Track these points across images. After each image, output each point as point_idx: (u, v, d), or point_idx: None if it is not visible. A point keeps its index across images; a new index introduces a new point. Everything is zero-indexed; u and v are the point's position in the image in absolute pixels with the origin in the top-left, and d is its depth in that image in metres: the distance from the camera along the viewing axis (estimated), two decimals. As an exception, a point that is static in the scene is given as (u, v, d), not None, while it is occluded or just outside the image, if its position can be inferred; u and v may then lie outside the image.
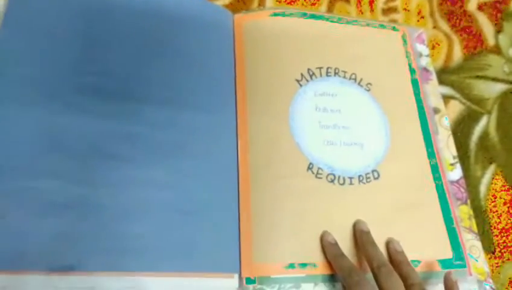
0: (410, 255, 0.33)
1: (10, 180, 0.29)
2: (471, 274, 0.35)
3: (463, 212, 0.38)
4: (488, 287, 0.35)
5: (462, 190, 0.39)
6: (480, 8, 0.49)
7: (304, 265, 0.32)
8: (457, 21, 0.48)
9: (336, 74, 0.40)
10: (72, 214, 0.30)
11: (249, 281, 0.31)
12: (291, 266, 0.31)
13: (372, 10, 0.47)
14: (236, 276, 0.31)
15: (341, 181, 0.35)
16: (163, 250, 0.30)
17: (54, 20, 0.35)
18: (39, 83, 0.33)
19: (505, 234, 0.39)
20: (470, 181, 0.41)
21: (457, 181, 0.39)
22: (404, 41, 0.44)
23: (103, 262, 0.29)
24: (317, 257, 0.32)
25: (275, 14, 0.41)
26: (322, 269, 0.32)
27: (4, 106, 0.31)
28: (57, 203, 0.30)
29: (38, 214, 0.29)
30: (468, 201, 0.39)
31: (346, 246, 0.33)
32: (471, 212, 0.38)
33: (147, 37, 0.37)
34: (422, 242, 0.35)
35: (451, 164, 0.40)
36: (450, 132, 0.41)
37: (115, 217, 0.30)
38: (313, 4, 0.45)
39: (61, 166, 0.31)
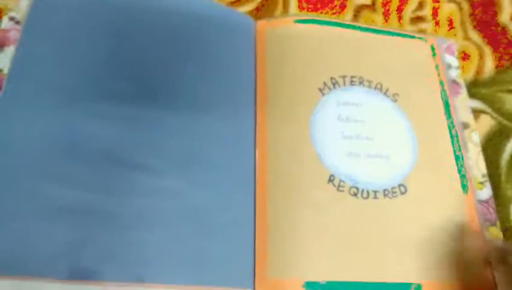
0: (436, 278, 0.31)
1: (25, 183, 0.29)
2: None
3: (492, 235, 0.36)
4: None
5: (492, 211, 0.37)
6: (514, 19, 0.47)
7: (321, 284, 0.30)
8: (489, 32, 0.46)
9: (360, 83, 0.39)
10: (85, 221, 0.29)
11: (263, 297, 0.29)
12: (309, 285, 0.30)
13: (399, 19, 0.45)
14: (250, 291, 0.30)
15: (365, 195, 0.34)
16: (175, 261, 0.29)
17: (78, 23, 0.34)
18: (59, 87, 0.32)
19: (538, 259, 0.37)
20: (500, 201, 0.38)
21: (486, 201, 0.37)
22: (433, 52, 0.42)
23: (115, 271, 0.28)
24: (336, 275, 0.30)
25: (299, 21, 0.40)
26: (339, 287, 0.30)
27: (23, 108, 0.31)
28: (70, 209, 0.29)
29: (52, 219, 0.28)
30: (498, 223, 0.36)
31: (369, 263, 0.31)
32: (501, 235, 0.36)
33: (167, 43, 0.36)
34: (446, 262, 0.33)
35: (481, 183, 0.38)
36: (479, 148, 0.39)
37: (128, 226, 0.29)
38: (338, 12, 0.44)
39: (77, 172, 0.30)
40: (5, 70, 0.33)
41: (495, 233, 0.36)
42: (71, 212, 0.29)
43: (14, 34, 0.34)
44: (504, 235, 0.36)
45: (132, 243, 0.29)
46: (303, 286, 0.30)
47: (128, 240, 0.29)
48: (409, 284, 0.31)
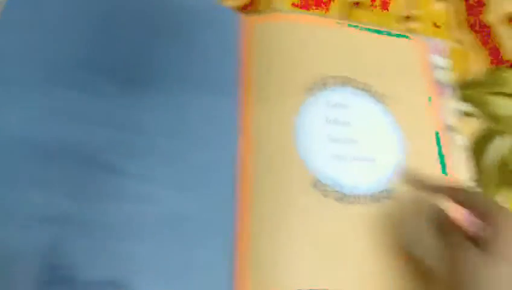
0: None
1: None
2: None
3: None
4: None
5: (476, 214, 0.37)
6: (502, 21, 0.46)
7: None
8: (478, 33, 0.45)
9: (348, 83, 0.38)
10: (59, 229, 0.27)
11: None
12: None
13: (388, 17, 0.44)
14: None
15: (351, 200, 0.33)
16: (154, 271, 0.28)
17: (60, 11, 0.33)
18: (30, 83, 0.30)
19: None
20: (485, 205, 0.38)
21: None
22: (421, 52, 0.41)
23: (92, 280, 0.27)
24: (321, 284, 0.30)
25: (285, 16, 0.39)
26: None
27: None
28: (44, 216, 0.27)
29: (23, 227, 0.27)
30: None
31: (357, 271, 0.30)
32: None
33: (146, 31, 0.35)
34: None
35: (466, 185, 0.37)
36: (465, 151, 0.39)
37: (105, 234, 0.28)
38: (327, 10, 0.43)
39: (51, 176, 0.28)
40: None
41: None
42: (43, 219, 0.27)
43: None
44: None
45: (110, 252, 0.27)
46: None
47: (106, 248, 0.27)
48: None
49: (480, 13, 0.46)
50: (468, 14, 0.46)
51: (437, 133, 0.38)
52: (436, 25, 0.45)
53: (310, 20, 0.39)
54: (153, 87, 0.33)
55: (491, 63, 0.44)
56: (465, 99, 0.42)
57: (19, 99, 0.30)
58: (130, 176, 0.30)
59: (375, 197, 0.33)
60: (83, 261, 0.27)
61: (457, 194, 0.29)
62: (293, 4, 0.42)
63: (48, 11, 0.32)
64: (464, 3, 0.46)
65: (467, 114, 0.41)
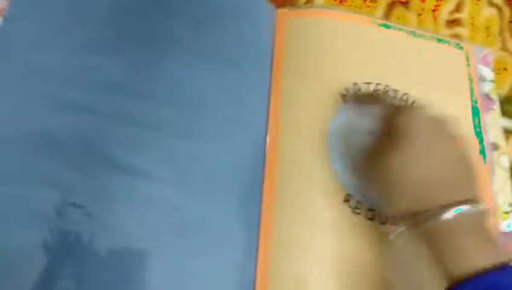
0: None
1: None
2: None
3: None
4: None
5: (515, 244, 0.34)
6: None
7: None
8: (530, 44, 0.42)
9: (386, 92, 0.35)
10: (65, 229, 0.25)
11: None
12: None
13: (434, 20, 0.41)
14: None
15: (382, 219, 0.30)
16: (163, 281, 0.26)
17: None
18: (39, 73, 0.28)
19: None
20: (524, 233, 0.35)
21: (510, 234, 0.34)
22: (468, 61, 0.38)
23: (93, 285, 0.25)
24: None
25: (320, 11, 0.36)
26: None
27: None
28: (46, 214, 0.25)
29: (24, 225, 0.25)
30: (520, 257, 0.33)
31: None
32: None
33: (175, 28, 0.32)
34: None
35: (506, 212, 0.34)
36: (508, 174, 0.36)
37: (113, 236, 0.26)
38: (368, 6, 0.40)
39: (58, 174, 0.26)
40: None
41: None
42: (45, 218, 0.25)
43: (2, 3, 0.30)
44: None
45: (113, 258, 0.26)
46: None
47: (109, 253, 0.26)
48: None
49: (534, 22, 0.42)
50: (521, 23, 0.42)
51: (481, 152, 0.35)
52: (487, 32, 0.41)
53: (345, 17, 0.36)
54: (175, 90, 0.31)
55: (542, 78, 0.40)
56: (511, 116, 0.39)
57: (28, 93, 0.28)
58: (145, 178, 0.28)
59: (408, 218, 0.31)
60: (89, 262, 0.25)
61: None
62: None
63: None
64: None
65: (511, 132, 0.38)
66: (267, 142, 0.31)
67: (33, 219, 0.25)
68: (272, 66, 0.34)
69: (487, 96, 0.38)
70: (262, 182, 0.30)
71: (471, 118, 0.36)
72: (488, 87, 0.38)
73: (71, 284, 0.24)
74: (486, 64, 0.39)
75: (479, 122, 0.36)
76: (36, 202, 0.26)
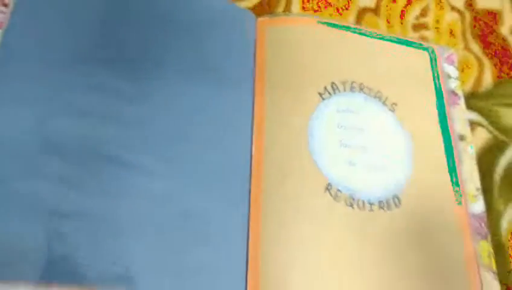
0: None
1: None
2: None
3: (482, 249, 0.36)
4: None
5: (483, 225, 0.37)
6: (515, 33, 0.47)
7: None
8: (490, 44, 0.45)
9: (360, 90, 0.38)
10: (64, 222, 0.27)
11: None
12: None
13: (401, 25, 0.44)
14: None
15: (360, 206, 0.33)
16: (160, 269, 0.28)
17: (67, 10, 0.33)
18: (39, 81, 0.30)
19: (526, 276, 0.37)
20: (492, 215, 0.38)
21: (478, 215, 0.37)
22: (433, 61, 0.41)
23: (95, 275, 0.27)
24: (329, 287, 0.30)
25: (296, 19, 0.39)
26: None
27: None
28: (48, 208, 0.27)
29: (27, 219, 0.27)
30: (489, 237, 0.36)
31: (363, 277, 0.31)
32: (491, 249, 0.36)
33: (158, 36, 0.35)
34: (439, 277, 0.33)
35: (474, 196, 0.38)
36: (474, 162, 0.39)
37: (110, 230, 0.28)
38: (341, 14, 0.43)
39: (57, 169, 0.28)
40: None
41: (486, 247, 0.36)
42: (48, 212, 0.27)
43: (2, 17, 0.32)
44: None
45: (117, 247, 0.28)
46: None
47: (108, 245, 0.28)
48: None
49: (494, 25, 0.46)
50: (481, 25, 0.46)
51: (448, 143, 0.38)
52: (451, 34, 0.45)
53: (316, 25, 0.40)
54: (166, 85, 0.33)
55: (501, 75, 0.44)
56: (475, 110, 0.42)
57: (30, 94, 0.30)
58: (139, 171, 0.30)
59: (384, 205, 0.34)
60: (86, 255, 0.27)
61: None
62: (303, 8, 0.43)
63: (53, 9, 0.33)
64: (475, 14, 0.47)
65: (476, 124, 0.41)
66: (253, 139, 0.34)
67: (31, 212, 0.27)
68: (255, 72, 0.37)
69: (453, 92, 0.42)
70: (250, 176, 0.32)
71: (436, 112, 0.39)
72: (453, 84, 0.42)
73: (70, 267, 0.26)
74: (451, 63, 0.43)
75: (445, 115, 0.39)
76: (32, 195, 0.27)
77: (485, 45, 0.45)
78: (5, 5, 0.33)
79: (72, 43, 0.32)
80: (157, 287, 0.27)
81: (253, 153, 0.33)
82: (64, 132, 0.29)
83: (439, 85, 0.41)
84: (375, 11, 0.44)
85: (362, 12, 0.44)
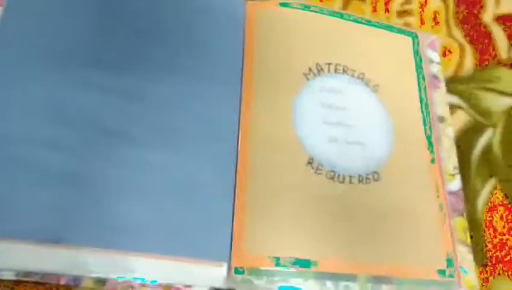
0: (400, 261, 0.33)
1: (8, 146, 0.29)
2: (460, 287, 0.34)
3: (458, 224, 0.38)
4: (476, 301, 0.35)
5: (460, 202, 0.39)
6: (496, 19, 0.48)
7: (296, 260, 0.31)
8: (472, 31, 0.47)
9: (344, 71, 0.39)
10: (66, 186, 0.29)
11: (237, 271, 0.31)
12: (282, 260, 0.31)
13: (387, 11, 0.46)
14: (225, 265, 0.30)
15: (341, 179, 0.35)
16: (152, 231, 0.30)
17: None
18: (46, 53, 0.32)
19: (499, 249, 0.39)
20: (469, 194, 0.40)
21: (455, 192, 0.39)
22: (416, 46, 0.43)
23: (92, 237, 0.28)
24: (311, 254, 0.32)
25: (285, 5, 0.40)
26: (316, 267, 0.31)
27: (9, 71, 0.31)
28: (52, 173, 0.29)
29: (32, 183, 0.28)
30: (464, 214, 0.38)
31: (339, 245, 0.32)
32: (467, 225, 0.38)
33: (154, 14, 0.36)
34: (416, 248, 0.34)
35: (452, 175, 0.39)
36: (453, 142, 0.41)
37: (109, 194, 0.30)
38: (328, 0, 0.45)
39: (62, 138, 0.30)
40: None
41: (461, 223, 0.37)
42: (52, 176, 0.29)
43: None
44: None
45: (110, 211, 0.29)
46: (276, 260, 0.31)
47: (106, 208, 0.29)
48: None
49: (476, 11, 0.48)
50: (464, 12, 0.48)
51: (425, 124, 0.40)
52: (434, 21, 0.47)
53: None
54: (158, 66, 0.35)
55: (482, 60, 0.46)
56: (456, 93, 0.44)
57: (39, 71, 0.32)
58: (135, 143, 0.32)
59: (363, 179, 0.35)
60: (82, 218, 0.29)
61: None
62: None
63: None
64: (458, 1, 0.48)
65: (456, 107, 0.43)
66: (241, 113, 0.35)
67: (38, 175, 0.29)
68: (243, 53, 0.38)
69: (434, 76, 0.43)
70: (237, 148, 0.34)
71: (418, 94, 0.41)
72: (435, 69, 0.44)
73: (69, 233, 0.28)
74: (434, 48, 0.45)
75: (426, 97, 0.41)
76: (41, 162, 0.29)
77: (467, 31, 0.47)
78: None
79: (72, 30, 0.34)
80: (148, 246, 0.29)
81: (240, 127, 0.35)
82: (72, 105, 0.31)
83: (421, 69, 0.42)
84: (361, -3, 0.46)
85: (349, -2, 0.45)
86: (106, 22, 0.35)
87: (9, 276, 0.27)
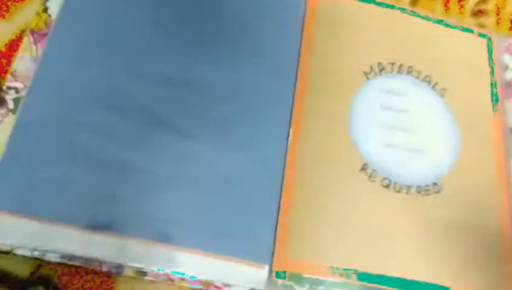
0: (457, 283, 0.30)
1: (62, 130, 0.29)
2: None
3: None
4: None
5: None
6: None
7: (342, 271, 0.29)
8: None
9: (408, 72, 0.37)
10: (115, 174, 0.29)
11: (279, 275, 0.29)
12: (330, 269, 0.29)
13: (460, 10, 0.42)
14: (267, 267, 0.29)
15: (397, 188, 0.32)
16: (197, 227, 0.29)
17: None
18: (104, 41, 0.32)
19: None
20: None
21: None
22: (490, 50, 0.39)
23: (137, 227, 0.28)
24: (357, 265, 0.30)
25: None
26: (361, 277, 0.30)
27: (67, 57, 0.31)
28: (102, 160, 0.29)
29: (82, 169, 0.29)
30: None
31: (393, 261, 0.30)
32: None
33: (210, 4, 0.35)
34: (473, 270, 0.31)
35: (522, 192, 0.36)
36: (526, 157, 0.37)
37: (157, 186, 0.29)
38: (396, -5, 0.42)
39: (113, 125, 0.30)
40: (53, 16, 0.33)
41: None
42: (103, 163, 0.29)
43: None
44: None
45: (158, 203, 0.29)
46: (321, 269, 0.29)
47: (153, 199, 0.29)
48: (434, 285, 0.30)
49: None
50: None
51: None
52: (510, 24, 0.42)
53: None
54: (212, 57, 0.34)
55: None
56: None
57: (96, 57, 0.32)
58: (186, 134, 0.31)
59: (421, 189, 0.33)
60: (130, 207, 0.28)
61: None
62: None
63: None
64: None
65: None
66: (293, 111, 0.34)
67: (89, 164, 0.29)
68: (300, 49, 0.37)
69: (509, 84, 0.39)
70: (286, 152, 0.33)
71: (490, 103, 0.37)
72: (510, 76, 0.40)
73: (112, 220, 0.28)
74: (510, 53, 0.41)
75: (497, 107, 0.37)
76: (92, 148, 0.29)
77: (551, 36, 0.42)
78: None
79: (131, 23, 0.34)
80: (191, 242, 0.29)
81: (291, 124, 0.33)
82: (124, 92, 0.31)
83: (495, 75, 0.39)
84: (433, -6, 0.43)
85: (418, -6, 0.42)
86: (162, 11, 0.34)
87: (54, 258, 0.27)
